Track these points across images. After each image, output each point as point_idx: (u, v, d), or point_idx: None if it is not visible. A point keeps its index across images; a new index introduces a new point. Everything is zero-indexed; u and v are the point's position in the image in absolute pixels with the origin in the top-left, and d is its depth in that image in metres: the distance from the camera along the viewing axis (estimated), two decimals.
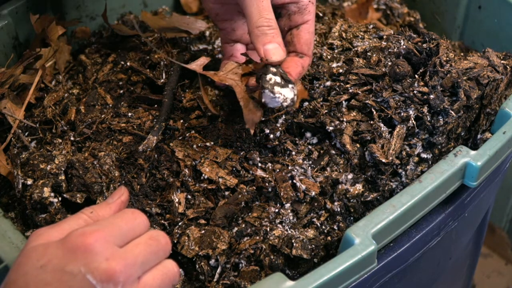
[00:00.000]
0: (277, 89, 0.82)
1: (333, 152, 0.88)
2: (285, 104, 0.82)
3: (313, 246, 0.81)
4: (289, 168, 0.86)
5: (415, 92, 0.87)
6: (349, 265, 0.74)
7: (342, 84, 0.91)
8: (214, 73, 0.88)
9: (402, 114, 0.87)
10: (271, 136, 0.90)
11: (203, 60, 0.89)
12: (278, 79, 0.82)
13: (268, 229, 0.81)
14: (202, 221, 0.83)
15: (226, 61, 0.92)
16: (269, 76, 0.82)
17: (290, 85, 0.82)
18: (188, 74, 0.99)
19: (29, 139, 0.92)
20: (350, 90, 0.90)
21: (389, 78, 0.89)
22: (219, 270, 0.80)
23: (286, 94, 0.82)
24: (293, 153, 0.89)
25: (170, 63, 0.99)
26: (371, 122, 0.88)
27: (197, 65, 0.89)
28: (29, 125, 0.94)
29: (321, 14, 1.07)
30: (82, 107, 0.95)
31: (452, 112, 0.86)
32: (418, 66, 0.90)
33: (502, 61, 0.92)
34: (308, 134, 0.91)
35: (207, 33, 1.07)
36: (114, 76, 0.99)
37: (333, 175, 0.86)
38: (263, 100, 0.83)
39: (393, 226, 0.80)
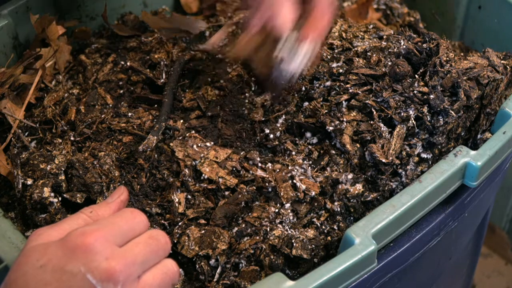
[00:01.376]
0: (291, 54, 0.82)
1: (333, 152, 0.88)
2: (300, 67, 0.83)
3: (313, 246, 0.81)
4: (289, 168, 0.86)
5: (415, 92, 0.87)
6: (349, 265, 0.74)
7: (342, 84, 0.91)
8: (228, 50, 0.88)
9: (402, 114, 0.87)
10: (271, 136, 0.90)
11: (218, 37, 0.88)
12: (290, 44, 0.83)
13: (268, 229, 0.81)
14: (202, 221, 0.83)
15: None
16: (282, 42, 0.83)
17: (304, 48, 0.82)
18: (188, 74, 0.99)
19: (29, 139, 0.92)
20: (350, 90, 0.90)
21: (389, 78, 0.89)
22: (219, 270, 0.80)
23: (300, 58, 0.83)
24: (293, 153, 0.89)
25: (170, 63, 0.99)
26: (371, 122, 0.88)
27: (210, 45, 0.89)
28: (29, 125, 0.94)
29: None
30: (82, 107, 0.95)
31: (452, 112, 0.86)
32: (418, 66, 0.90)
33: (502, 61, 0.92)
34: (308, 134, 0.91)
35: (207, 33, 1.07)
36: (114, 76, 0.99)
37: (333, 175, 0.86)
38: (280, 66, 0.83)
39: (393, 226, 0.80)
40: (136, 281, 0.65)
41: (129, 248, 0.66)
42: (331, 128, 0.88)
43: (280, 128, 0.90)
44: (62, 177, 0.84)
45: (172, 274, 0.69)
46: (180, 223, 0.83)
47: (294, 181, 0.85)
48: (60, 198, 0.83)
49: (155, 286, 0.67)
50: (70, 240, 0.65)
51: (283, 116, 0.91)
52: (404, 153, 0.86)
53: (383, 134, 0.87)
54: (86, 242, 0.64)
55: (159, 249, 0.68)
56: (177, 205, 0.84)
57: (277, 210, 0.83)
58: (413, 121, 0.86)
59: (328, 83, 0.91)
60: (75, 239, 0.65)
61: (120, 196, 0.75)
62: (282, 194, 0.84)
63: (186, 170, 0.85)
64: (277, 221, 0.83)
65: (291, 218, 0.83)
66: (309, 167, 0.87)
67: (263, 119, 0.92)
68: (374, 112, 0.88)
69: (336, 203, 0.85)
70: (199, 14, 1.15)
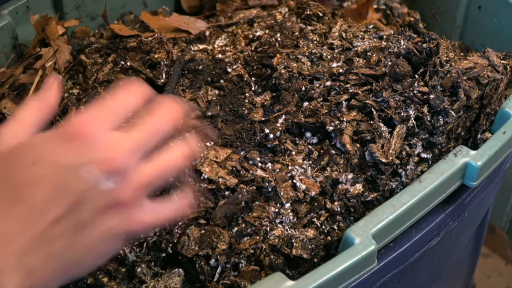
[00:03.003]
0: None
1: (333, 152, 0.88)
2: None
3: (313, 246, 0.81)
4: (289, 168, 0.86)
5: (415, 92, 0.87)
6: (349, 265, 0.74)
7: (342, 84, 0.91)
8: None
9: (402, 114, 0.87)
10: (271, 136, 0.90)
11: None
12: None
13: (268, 229, 0.81)
14: (202, 221, 0.83)
15: None
16: None
17: None
18: (188, 74, 0.99)
19: None
20: (350, 90, 0.90)
21: (389, 78, 0.89)
22: (219, 270, 0.80)
23: None
24: (293, 153, 0.89)
25: (170, 63, 0.99)
26: (371, 122, 0.88)
27: None
28: None
29: (321, 14, 1.07)
30: (82, 107, 0.95)
31: (452, 112, 0.86)
32: (418, 66, 0.90)
33: (502, 61, 0.92)
34: (308, 134, 0.91)
35: (207, 33, 1.07)
36: (114, 76, 0.99)
37: (333, 175, 0.86)
38: None
39: (393, 226, 0.80)
40: (138, 169, 0.61)
41: (128, 133, 0.61)
42: (331, 128, 0.88)
43: (280, 128, 0.90)
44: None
45: (173, 164, 0.64)
46: (180, 223, 0.83)
47: (294, 181, 0.85)
48: None
49: (154, 179, 0.62)
50: (62, 131, 0.60)
51: (283, 116, 0.91)
52: (404, 153, 0.86)
53: (383, 134, 0.87)
54: (80, 130, 0.59)
55: (164, 124, 0.63)
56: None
57: (277, 210, 0.83)
58: (413, 121, 0.86)
59: (328, 83, 0.91)
60: (67, 129, 0.59)
61: (54, 80, 0.67)
62: (282, 194, 0.84)
63: (186, 170, 0.85)
64: (277, 221, 0.83)
65: (291, 218, 0.83)
66: (309, 167, 0.87)
67: (263, 119, 0.92)
68: (374, 112, 0.88)
69: (336, 203, 0.85)
70: (199, 14, 1.15)
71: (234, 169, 0.86)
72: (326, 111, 0.89)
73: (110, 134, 0.61)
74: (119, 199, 0.60)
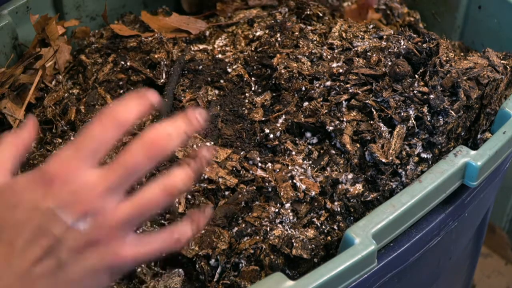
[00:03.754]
0: None
1: (333, 152, 0.88)
2: None
3: (313, 246, 0.81)
4: (289, 168, 0.86)
5: (415, 92, 0.87)
6: (349, 265, 0.74)
7: (342, 84, 0.91)
8: None
9: (402, 114, 0.87)
10: (271, 136, 0.90)
11: None
12: None
13: (268, 229, 0.81)
14: None
15: None
16: None
17: None
18: (188, 74, 0.99)
19: None
20: (350, 90, 0.90)
21: (389, 78, 0.89)
22: (219, 270, 0.80)
23: None
24: (293, 153, 0.89)
25: (170, 63, 0.99)
26: (371, 122, 0.88)
27: None
28: None
29: (321, 14, 1.07)
30: (82, 107, 0.95)
31: (452, 112, 0.86)
32: (418, 66, 0.90)
33: (502, 61, 0.92)
34: (308, 134, 0.91)
35: (207, 33, 1.07)
36: (114, 76, 0.99)
37: (333, 175, 0.86)
38: None
39: (393, 226, 0.80)
40: (112, 209, 0.62)
41: (103, 175, 0.62)
42: (331, 128, 0.88)
43: (280, 128, 0.90)
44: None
45: (154, 202, 0.63)
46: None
47: (294, 181, 0.85)
48: None
49: (131, 216, 0.62)
50: (39, 174, 0.61)
51: (283, 116, 0.91)
52: (404, 153, 0.86)
53: (383, 134, 0.87)
54: (55, 173, 0.61)
55: (137, 166, 0.62)
56: (177, 205, 0.84)
57: (277, 210, 0.83)
58: (413, 121, 0.86)
59: (328, 83, 0.91)
60: (43, 172, 0.61)
61: (30, 119, 0.68)
62: (282, 194, 0.84)
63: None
64: (277, 221, 0.83)
65: (291, 218, 0.83)
66: (309, 167, 0.87)
67: (263, 119, 0.92)
68: (374, 112, 0.88)
69: (336, 203, 0.85)
70: (199, 14, 1.15)
71: (234, 169, 0.86)
72: (326, 111, 0.89)
73: (86, 175, 0.61)
74: (95, 239, 0.62)
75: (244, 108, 0.93)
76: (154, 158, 0.63)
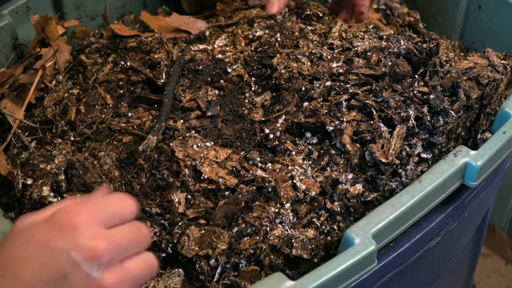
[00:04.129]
0: None
1: (333, 152, 0.88)
2: None
3: (313, 246, 0.81)
4: (289, 168, 0.86)
5: (415, 92, 0.87)
6: (349, 265, 0.74)
7: (342, 84, 0.91)
8: None
9: (402, 114, 0.87)
10: (271, 136, 0.90)
11: None
12: None
13: (268, 229, 0.81)
14: (202, 221, 0.83)
15: None
16: None
17: None
18: (188, 74, 0.99)
19: (29, 139, 0.92)
20: (350, 90, 0.90)
21: (389, 78, 0.89)
22: (219, 270, 0.80)
23: None
24: (293, 153, 0.89)
25: (170, 63, 0.99)
26: (371, 122, 0.88)
27: None
28: (29, 125, 0.94)
29: (321, 14, 1.07)
30: (82, 107, 0.95)
31: (452, 112, 0.86)
32: (418, 66, 0.90)
33: (502, 61, 0.92)
34: (308, 134, 0.91)
35: (207, 33, 1.07)
36: (114, 76, 0.99)
37: (333, 175, 0.86)
38: None
39: (393, 226, 0.80)
40: (118, 265, 0.65)
41: (114, 231, 0.66)
42: (331, 128, 0.88)
43: (280, 128, 0.90)
44: (62, 177, 0.84)
45: (152, 267, 0.68)
46: (180, 223, 0.83)
47: (294, 181, 0.85)
48: (60, 198, 0.83)
49: (136, 274, 0.66)
50: (56, 217, 0.65)
51: (283, 116, 0.91)
52: (404, 153, 0.86)
53: (383, 134, 0.87)
54: (73, 220, 0.64)
55: (141, 239, 0.68)
56: (177, 205, 0.84)
57: (277, 210, 0.83)
58: (413, 121, 0.86)
59: (328, 83, 0.91)
60: (61, 217, 0.64)
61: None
62: (282, 194, 0.84)
63: (186, 170, 0.85)
64: (277, 221, 0.83)
65: (291, 218, 0.83)
66: (309, 167, 0.87)
67: (263, 119, 0.92)
68: (374, 112, 0.88)
69: (336, 203, 0.85)
70: (199, 14, 1.15)
71: (234, 169, 0.86)
72: (326, 111, 0.89)
73: (98, 228, 0.65)
74: (102, 286, 0.64)
75: (244, 108, 0.93)
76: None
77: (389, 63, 0.90)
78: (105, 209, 0.67)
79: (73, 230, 0.64)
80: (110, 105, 0.96)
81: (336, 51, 0.97)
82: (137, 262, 0.67)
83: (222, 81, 0.97)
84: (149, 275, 0.68)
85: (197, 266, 0.80)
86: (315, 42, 0.99)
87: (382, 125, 0.87)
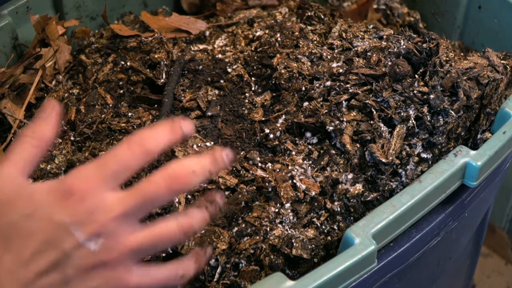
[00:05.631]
0: None
1: (333, 152, 0.88)
2: None
3: (313, 246, 0.81)
4: (289, 168, 0.86)
5: (415, 92, 0.87)
6: (349, 265, 0.74)
7: (342, 84, 0.91)
8: None
9: (402, 114, 0.87)
10: (271, 136, 0.90)
11: None
12: None
13: (268, 229, 0.81)
14: None
15: None
16: None
17: None
18: (188, 74, 0.99)
19: None
20: (350, 90, 0.90)
21: (389, 78, 0.89)
22: (219, 270, 0.80)
23: None
24: (293, 153, 0.89)
25: (170, 63, 0.99)
26: (371, 122, 0.88)
27: None
28: None
29: (322, 16, 1.07)
30: (82, 107, 0.95)
31: (452, 112, 0.86)
32: (418, 66, 0.90)
33: (502, 61, 0.92)
34: (308, 134, 0.91)
35: (207, 33, 1.07)
36: (114, 76, 0.99)
37: (333, 175, 0.86)
38: None
39: (393, 226, 0.80)
40: (129, 235, 0.62)
41: (121, 200, 0.62)
42: (331, 128, 0.88)
43: (280, 128, 0.90)
44: (62, 177, 0.84)
45: (167, 237, 0.63)
46: None
47: (294, 181, 0.85)
48: None
49: (146, 245, 0.63)
50: (58, 186, 0.62)
51: (283, 116, 0.91)
52: (404, 153, 0.86)
53: (383, 134, 0.87)
54: (75, 189, 0.61)
55: (157, 196, 0.63)
56: (177, 205, 0.84)
57: (277, 210, 0.83)
58: (413, 121, 0.86)
59: (328, 83, 0.91)
60: (63, 186, 0.62)
61: (53, 108, 0.67)
62: (282, 194, 0.84)
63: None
64: (277, 221, 0.83)
65: (291, 218, 0.83)
66: (309, 167, 0.87)
67: (263, 119, 0.92)
68: (374, 112, 0.88)
69: (336, 203, 0.85)
70: (199, 14, 1.15)
71: (234, 169, 0.86)
72: (326, 111, 0.89)
73: (104, 196, 0.62)
74: (103, 261, 0.62)
75: (244, 108, 0.93)
76: (175, 192, 0.64)
77: (389, 63, 0.90)
78: (115, 168, 0.62)
79: (76, 202, 0.61)
80: (110, 105, 0.96)
81: (336, 51, 0.97)
82: (146, 234, 0.63)
83: (222, 81, 0.97)
84: (163, 246, 0.64)
85: None
86: (315, 42, 0.99)
87: (382, 125, 0.87)
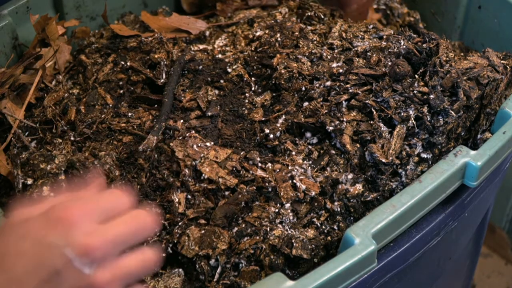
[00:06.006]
0: None
1: (333, 152, 0.88)
2: None
3: (313, 246, 0.81)
4: (289, 168, 0.86)
5: (415, 92, 0.87)
6: (349, 265, 0.74)
7: (342, 84, 0.91)
8: None
9: (402, 114, 0.87)
10: (271, 136, 0.90)
11: None
12: None
13: (268, 229, 0.81)
14: (202, 221, 0.83)
15: None
16: None
17: None
18: (188, 74, 0.99)
19: (29, 139, 0.92)
20: (350, 90, 0.90)
21: (389, 78, 0.89)
22: (219, 270, 0.80)
23: None
24: (293, 153, 0.89)
25: (170, 63, 0.99)
26: (371, 122, 0.88)
27: None
28: (29, 125, 0.94)
29: (322, 16, 1.07)
30: (82, 107, 0.95)
31: (452, 112, 0.86)
32: (418, 66, 0.90)
33: (502, 61, 0.92)
34: (308, 134, 0.91)
35: (207, 33, 1.07)
36: (114, 76, 0.99)
37: (333, 175, 0.86)
38: None
39: (393, 226, 0.80)
40: (113, 261, 0.65)
41: (109, 227, 0.65)
42: (331, 128, 0.88)
43: (280, 128, 0.90)
44: (62, 177, 0.84)
45: (149, 262, 0.67)
46: (180, 223, 0.83)
47: (294, 181, 0.85)
48: None
49: (131, 270, 0.66)
50: (51, 213, 0.65)
51: (283, 116, 0.91)
52: (404, 153, 0.86)
53: (383, 134, 0.87)
54: (67, 215, 0.64)
55: (139, 231, 0.67)
56: (177, 205, 0.84)
57: (277, 210, 0.83)
58: (413, 121, 0.86)
59: (328, 83, 0.91)
60: (56, 212, 0.64)
61: (97, 180, 0.72)
62: (282, 194, 0.84)
63: (186, 170, 0.85)
64: (277, 221, 0.83)
65: (291, 218, 0.83)
66: (309, 167, 0.87)
67: (263, 119, 0.92)
68: (374, 112, 0.88)
69: (336, 203, 0.85)
70: (199, 14, 1.15)
71: (234, 169, 0.86)
72: (326, 111, 0.89)
73: (93, 224, 0.65)
74: (93, 284, 0.64)
75: (244, 108, 0.93)
76: (149, 232, 0.68)
77: (389, 63, 0.90)
78: (100, 204, 0.66)
79: (68, 226, 0.63)
80: (110, 105, 0.96)
81: (336, 51, 0.97)
82: (133, 257, 0.66)
83: (222, 81, 0.97)
84: (146, 270, 0.68)
85: (197, 266, 0.80)
86: (315, 42, 0.99)
87: (382, 125, 0.87)
